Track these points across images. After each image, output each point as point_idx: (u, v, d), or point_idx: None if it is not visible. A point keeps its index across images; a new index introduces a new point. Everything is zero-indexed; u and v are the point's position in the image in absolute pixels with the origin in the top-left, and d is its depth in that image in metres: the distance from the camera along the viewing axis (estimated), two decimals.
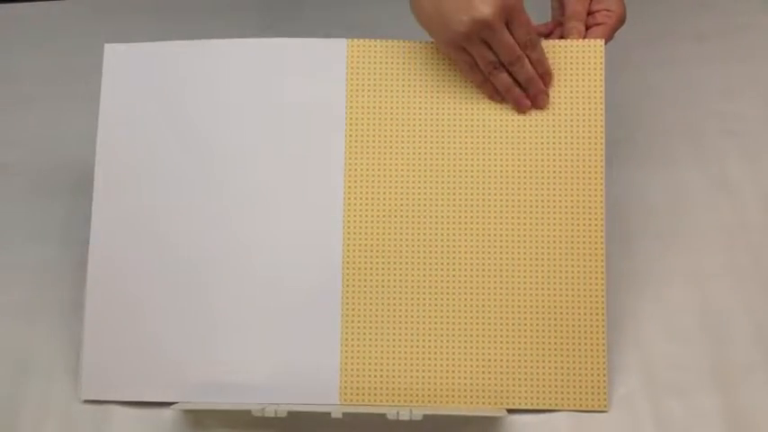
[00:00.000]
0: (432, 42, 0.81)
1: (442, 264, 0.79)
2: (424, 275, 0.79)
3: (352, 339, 0.79)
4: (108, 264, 0.81)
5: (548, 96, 0.80)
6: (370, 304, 0.79)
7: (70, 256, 0.87)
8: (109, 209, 0.81)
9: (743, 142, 0.92)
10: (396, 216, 0.80)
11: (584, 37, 0.81)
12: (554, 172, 0.80)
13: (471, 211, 0.80)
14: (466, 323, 0.78)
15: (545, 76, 0.79)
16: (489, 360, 0.78)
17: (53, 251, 0.88)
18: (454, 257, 0.79)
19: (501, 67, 0.78)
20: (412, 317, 0.79)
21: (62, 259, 0.87)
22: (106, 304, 0.80)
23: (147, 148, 0.82)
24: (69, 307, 0.84)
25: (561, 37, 0.82)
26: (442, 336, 0.78)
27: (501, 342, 0.78)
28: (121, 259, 0.81)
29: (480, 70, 0.78)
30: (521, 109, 0.80)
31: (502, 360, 0.78)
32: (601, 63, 0.80)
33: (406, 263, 0.79)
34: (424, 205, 0.80)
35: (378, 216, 0.80)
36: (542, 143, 0.80)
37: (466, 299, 0.79)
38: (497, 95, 0.80)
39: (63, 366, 0.82)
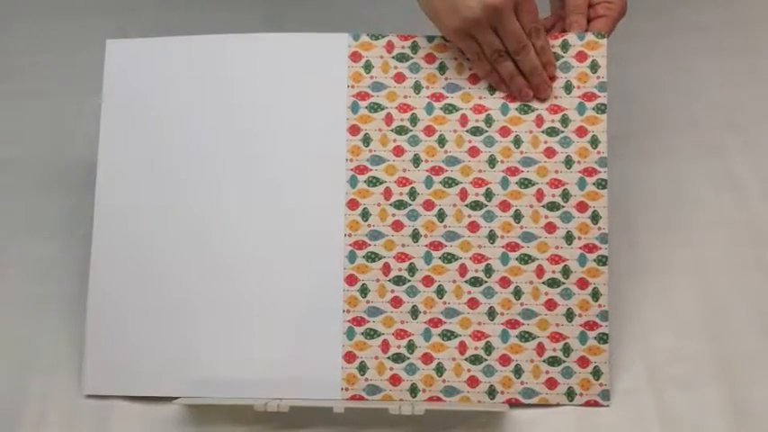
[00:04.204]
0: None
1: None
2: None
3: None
4: (110, 259, 0.81)
5: (550, 87, 0.80)
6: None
7: (72, 252, 0.87)
8: (111, 205, 0.81)
9: (745, 134, 0.92)
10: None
11: (586, 30, 0.81)
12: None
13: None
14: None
15: (548, 66, 0.80)
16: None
17: (56, 247, 0.88)
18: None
19: (506, 55, 0.78)
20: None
21: (64, 255, 0.87)
22: (109, 299, 0.80)
23: (149, 143, 0.82)
24: (72, 302, 0.84)
25: (563, 31, 0.82)
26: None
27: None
28: (124, 255, 0.81)
29: (487, 59, 0.79)
30: (523, 98, 0.80)
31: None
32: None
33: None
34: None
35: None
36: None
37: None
38: (502, 84, 0.80)
39: (66, 362, 0.82)
